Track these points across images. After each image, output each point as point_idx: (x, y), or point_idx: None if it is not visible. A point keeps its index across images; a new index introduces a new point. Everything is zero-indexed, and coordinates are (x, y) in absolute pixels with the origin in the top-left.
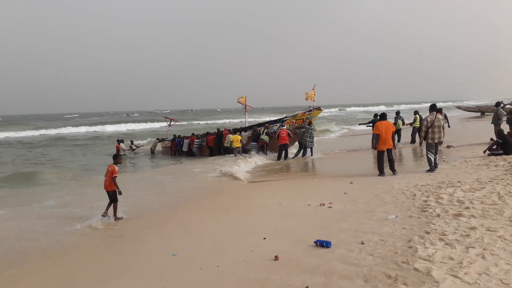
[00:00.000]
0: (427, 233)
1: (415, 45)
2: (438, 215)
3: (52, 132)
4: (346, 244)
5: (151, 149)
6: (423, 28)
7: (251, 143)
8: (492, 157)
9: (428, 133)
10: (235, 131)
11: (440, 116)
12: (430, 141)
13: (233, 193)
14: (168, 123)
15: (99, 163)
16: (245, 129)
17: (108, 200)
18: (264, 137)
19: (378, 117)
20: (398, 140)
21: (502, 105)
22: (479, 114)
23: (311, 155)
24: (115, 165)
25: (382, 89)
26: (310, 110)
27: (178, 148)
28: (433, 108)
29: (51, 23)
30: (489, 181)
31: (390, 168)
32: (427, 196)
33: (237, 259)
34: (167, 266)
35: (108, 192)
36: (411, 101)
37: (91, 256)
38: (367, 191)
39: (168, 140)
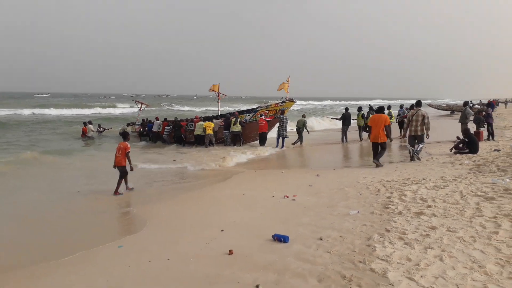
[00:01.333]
0: (387, 231)
1: (390, 44)
2: (400, 213)
3: (15, 112)
4: (304, 239)
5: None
6: (397, 29)
7: (224, 131)
8: (457, 155)
9: (407, 125)
10: (206, 118)
11: (420, 111)
12: (408, 133)
13: (203, 183)
14: (139, 107)
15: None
16: (216, 117)
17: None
18: (237, 127)
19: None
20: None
21: (470, 104)
22: (449, 112)
23: (282, 146)
24: (126, 142)
25: (355, 84)
26: (283, 102)
27: (148, 129)
28: (417, 104)
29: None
30: (453, 180)
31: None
32: (391, 193)
33: (190, 252)
34: (113, 257)
35: (119, 167)
36: (384, 97)
37: None
38: (332, 184)
39: (138, 125)
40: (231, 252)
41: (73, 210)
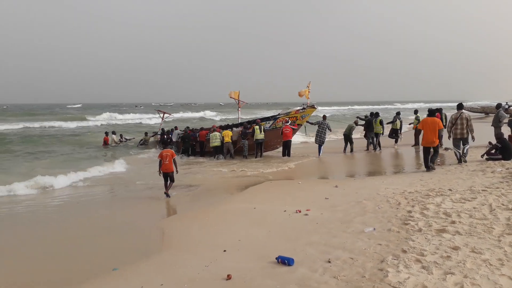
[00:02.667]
0: (404, 252)
1: (415, 46)
2: (420, 230)
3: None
4: (311, 261)
5: (140, 142)
6: (423, 30)
7: (242, 140)
8: (489, 162)
9: (452, 129)
10: (226, 127)
11: (464, 114)
12: (453, 136)
13: (214, 195)
14: (161, 116)
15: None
16: (236, 125)
17: (166, 182)
18: (261, 135)
19: (373, 116)
20: (396, 141)
21: (505, 106)
22: (483, 114)
23: (319, 154)
24: (171, 149)
25: (381, 88)
26: (304, 108)
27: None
28: (459, 107)
29: (56, 24)
30: (482, 190)
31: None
32: (412, 206)
33: (186, 276)
34: (106, 282)
35: (169, 173)
36: (411, 100)
37: None
38: (350, 196)
39: (159, 134)
40: (229, 277)
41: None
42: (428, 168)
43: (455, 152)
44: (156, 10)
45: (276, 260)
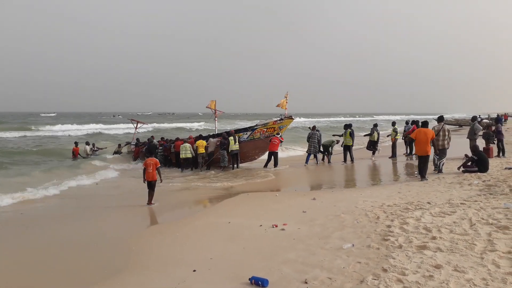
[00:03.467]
0: (384, 270)
1: (392, 62)
2: (400, 246)
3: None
4: (287, 282)
5: (115, 152)
6: (396, 47)
7: (220, 151)
8: (466, 174)
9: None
10: (202, 137)
11: (445, 126)
12: (436, 147)
13: (188, 209)
14: (135, 125)
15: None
16: (214, 135)
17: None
18: (236, 146)
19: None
20: (373, 153)
21: (479, 119)
22: (457, 126)
23: (317, 161)
24: (155, 158)
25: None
26: (282, 119)
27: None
28: (440, 119)
29: (31, 29)
30: (461, 204)
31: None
32: (392, 220)
33: None
34: None
35: (150, 182)
36: (388, 112)
37: None
38: (328, 209)
39: (133, 145)
40: None
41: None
42: (423, 177)
43: (434, 160)
44: (136, 20)
45: (250, 281)
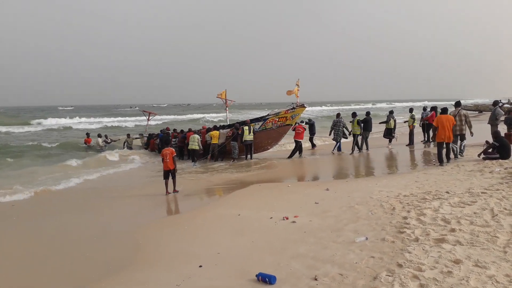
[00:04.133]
0: (399, 266)
1: (411, 47)
2: (417, 239)
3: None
4: (296, 279)
5: (125, 144)
6: (421, 31)
7: (231, 142)
8: (487, 161)
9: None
10: (216, 128)
11: (462, 111)
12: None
13: (198, 200)
14: (147, 117)
15: None
16: (224, 126)
17: (167, 179)
18: (250, 136)
19: (358, 116)
20: (390, 141)
21: (500, 104)
22: (477, 112)
23: (339, 149)
24: (171, 148)
25: (375, 88)
26: (294, 108)
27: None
28: (457, 104)
29: (47, 24)
30: (482, 193)
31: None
32: (408, 211)
33: None
34: None
35: (170, 170)
36: (410, 99)
37: None
38: (342, 200)
39: (145, 136)
40: None
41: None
42: (442, 162)
43: (452, 148)
44: (149, 10)
45: (256, 278)
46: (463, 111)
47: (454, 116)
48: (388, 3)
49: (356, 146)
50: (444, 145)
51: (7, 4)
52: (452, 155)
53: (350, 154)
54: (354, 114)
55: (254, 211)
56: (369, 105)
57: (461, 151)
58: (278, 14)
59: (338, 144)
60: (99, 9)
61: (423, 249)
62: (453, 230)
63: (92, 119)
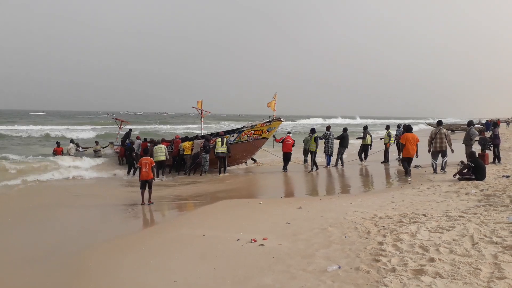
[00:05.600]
0: None
1: (382, 68)
2: (394, 270)
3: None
4: None
5: (94, 151)
6: (389, 54)
7: (203, 153)
8: (462, 182)
9: (432, 143)
10: (188, 139)
11: (443, 130)
12: (433, 149)
13: (160, 217)
14: (119, 125)
15: None
16: (197, 137)
17: (144, 189)
18: (223, 148)
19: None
20: (365, 157)
21: (475, 125)
22: (449, 132)
23: (329, 164)
24: (150, 157)
25: (349, 105)
26: (270, 121)
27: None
28: (439, 123)
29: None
30: (459, 216)
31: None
32: (384, 236)
33: None
34: None
35: (148, 180)
36: (378, 116)
37: None
38: (314, 221)
39: (117, 145)
40: None
41: None
42: (407, 173)
43: (432, 164)
44: (130, 17)
45: None
46: (443, 130)
47: (435, 133)
48: (360, 25)
49: (314, 164)
50: (407, 160)
51: None
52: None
53: (309, 172)
54: (312, 130)
55: (220, 231)
56: (347, 120)
57: (443, 167)
58: (259, 31)
59: (330, 158)
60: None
61: (401, 282)
62: (432, 259)
63: (63, 126)
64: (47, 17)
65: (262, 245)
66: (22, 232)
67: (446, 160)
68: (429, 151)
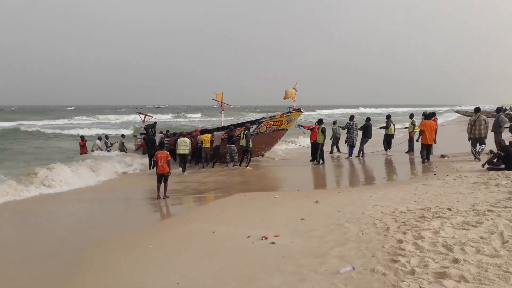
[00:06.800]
0: None
1: (411, 55)
2: (413, 272)
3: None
4: None
5: (119, 149)
6: (412, 37)
7: (228, 145)
8: (491, 172)
9: (471, 130)
10: (207, 131)
11: (482, 116)
12: (472, 136)
13: (173, 211)
14: (143, 118)
15: None
16: (218, 129)
17: (160, 183)
18: (242, 141)
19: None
20: (389, 147)
21: (505, 111)
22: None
23: (350, 155)
24: (165, 151)
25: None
26: (290, 112)
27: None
28: (477, 110)
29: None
30: (488, 211)
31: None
32: (404, 233)
33: None
34: None
35: (164, 174)
36: (408, 104)
37: None
38: (331, 216)
39: (139, 138)
40: None
41: None
42: (424, 161)
43: (472, 151)
44: (151, 13)
45: None
46: (483, 116)
47: (474, 121)
48: (379, 9)
49: (321, 158)
50: (426, 147)
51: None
52: (475, 156)
53: (316, 164)
54: (320, 121)
55: (231, 226)
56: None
57: (478, 153)
58: (277, 21)
59: (352, 148)
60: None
61: (420, 286)
62: (456, 260)
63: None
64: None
65: (273, 242)
66: (24, 229)
67: (484, 148)
68: (468, 139)
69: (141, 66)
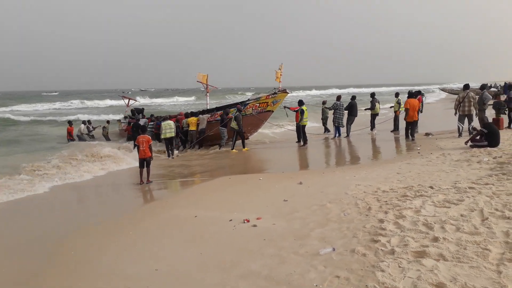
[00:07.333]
0: None
1: (395, 28)
2: (393, 252)
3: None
4: None
5: (103, 135)
6: (401, 11)
7: (220, 127)
8: (474, 149)
9: (459, 106)
10: (193, 114)
11: (470, 93)
12: (460, 112)
13: (156, 195)
14: (126, 102)
15: None
16: (203, 112)
17: (142, 168)
18: (233, 124)
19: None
20: (373, 126)
21: (490, 88)
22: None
23: (339, 135)
24: (147, 135)
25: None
26: (275, 93)
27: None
28: (465, 87)
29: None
30: (469, 188)
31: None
32: (386, 212)
33: None
34: None
35: (146, 159)
36: (390, 83)
37: None
38: (314, 197)
39: (124, 122)
40: None
41: None
42: (408, 138)
43: (458, 126)
44: None
45: None
46: (471, 93)
47: (463, 98)
48: None
49: (303, 138)
50: (410, 125)
51: None
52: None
53: (301, 146)
54: (300, 102)
55: (214, 211)
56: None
57: (469, 131)
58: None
59: (338, 129)
60: None
61: (399, 266)
62: (436, 239)
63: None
64: None
65: (255, 225)
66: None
67: (473, 125)
68: (455, 114)
69: (128, 45)
